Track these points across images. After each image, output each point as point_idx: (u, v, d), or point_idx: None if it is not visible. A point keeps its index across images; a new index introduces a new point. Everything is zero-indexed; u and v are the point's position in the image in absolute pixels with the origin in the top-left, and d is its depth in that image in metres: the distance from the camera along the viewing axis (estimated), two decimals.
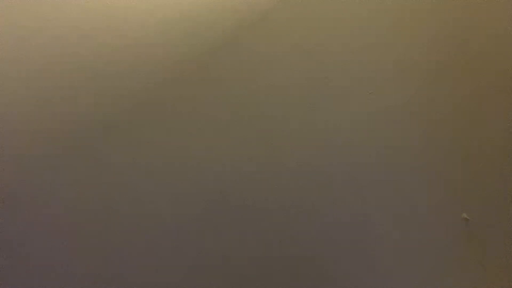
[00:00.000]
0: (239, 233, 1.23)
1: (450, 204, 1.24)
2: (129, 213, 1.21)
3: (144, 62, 1.22)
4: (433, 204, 1.24)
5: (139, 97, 1.22)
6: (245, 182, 1.23)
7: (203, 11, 1.23)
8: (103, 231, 1.21)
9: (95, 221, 1.21)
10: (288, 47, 1.24)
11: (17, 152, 1.20)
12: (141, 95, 1.22)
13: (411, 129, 1.24)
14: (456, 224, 1.24)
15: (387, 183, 1.24)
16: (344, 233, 1.24)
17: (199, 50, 1.23)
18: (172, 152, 1.22)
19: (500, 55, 1.25)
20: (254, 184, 1.23)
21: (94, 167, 1.21)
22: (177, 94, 1.23)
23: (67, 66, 1.21)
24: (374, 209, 1.24)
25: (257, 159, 1.23)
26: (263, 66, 1.24)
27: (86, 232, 1.21)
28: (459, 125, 1.25)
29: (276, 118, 1.24)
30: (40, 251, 1.20)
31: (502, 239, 1.23)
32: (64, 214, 1.20)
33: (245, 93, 1.24)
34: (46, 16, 1.21)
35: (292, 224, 1.24)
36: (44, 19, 1.21)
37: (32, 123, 1.20)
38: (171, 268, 1.21)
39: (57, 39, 1.21)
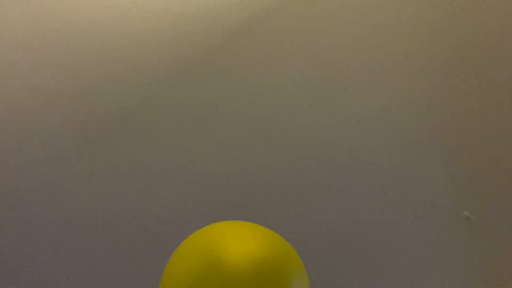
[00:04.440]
0: None
1: (452, 202, 1.24)
2: (133, 213, 1.21)
3: (145, 60, 1.22)
4: (435, 202, 1.24)
5: (139, 96, 1.22)
6: (246, 181, 1.23)
7: (204, 9, 1.23)
8: (107, 230, 1.20)
9: (99, 220, 1.20)
10: (288, 45, 1.24)
11: (19, 151, 1.19)
12: (142, 94, 1.22)
13: (413, 127, 1.25)
14: (457, 222, 1.24)
15: (388, 181, 1.24)
16: (344, 232, 1.24)
17: (200, 48, 1.23)
18: (172, 151, 1.22)
19: (502, 54, 1.26)
20: (255, 183, 1.23)
21: (96, 167, 1.21)
22: (177, 94, 1.23)
23: (67, 64, 1.21)
24: (375, 207, 1.24)
25: (258, 158, 1.23)
26: (264, 64, 1.24)
27: (90, 232, 1.20)
28: (461, 122, 1.25)
29: (277, 117, 1.24)
30: (43, 250, 1.19)
31: (504, 237, 1.24)
32: (68, 214, 1.20)
33: (246, 92, 1.24)
34: (46, 14, 1.21)
35: (293, 223, 1.23)
36: (44, 16, 1.20)
37: (34, 123, 1.20)
38: None
39: (57, 37, 1.21)
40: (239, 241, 0.53)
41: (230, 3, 1.23)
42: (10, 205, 1.19)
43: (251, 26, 1.24)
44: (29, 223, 1.19)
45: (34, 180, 1.20)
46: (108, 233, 1.21)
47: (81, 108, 1.21)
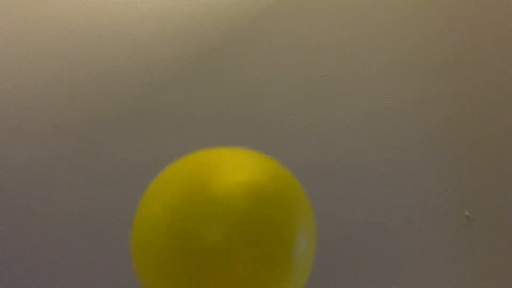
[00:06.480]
0: None
1: (452, 201, 1.24)
2: (132, 212, 1.21)
3: (145, 60, 1.22)
4: (435, 202, 1.24)
5: (139, 96, 1.22)
6: None
7: (203, 9, 1.23)
8: (106, 230, 1.20)
9: (97, 220, 1.20)
10: (289, 45, 1.24)
11: (18, 152, 1.19)
12: (142, 94, 1.22)
13: (413, 127, 1.25)
14: (458, 222, 1.24)
15: (388, 181, 1.24)
16: (344, 232, 1.23)
17: (200, 48, 1.23)
18: (172, 151, 1.22)
19: (502, 53, 1.26)
20: None
21: (94, 167, 1.21)
22: (178, 93, 1.23)
23: (66, 65, 1.21)
24: (376, 207, 1.24)
25: None
26: (264, 64, 1.24)
27: (88, 232, 1.20)
28: (462, 122, 1.25)
29: (277, 117, 1.24)
30: (41, 251, 1.19)
31: (504, 237, 1.24)
32: (66, 214, 1.20)
33: (246, 91, 1.24)
34: (46, 15, 1.21)
35: None
36: (44, 17, 1.20)
37: (34, 122, 1.20)
38: None
39: (55, 37, 1.21)
40: (231, 166, 0.41)
41: (230, 3, 1.23)
42: (10, 204, 1.19)
43: (251, 26, 1.24)
44: (28, 222, 1.19)
45: (34, 180, 1.19)
46: (108, 233, 1.20)
47: (80, 108, 1.21)
